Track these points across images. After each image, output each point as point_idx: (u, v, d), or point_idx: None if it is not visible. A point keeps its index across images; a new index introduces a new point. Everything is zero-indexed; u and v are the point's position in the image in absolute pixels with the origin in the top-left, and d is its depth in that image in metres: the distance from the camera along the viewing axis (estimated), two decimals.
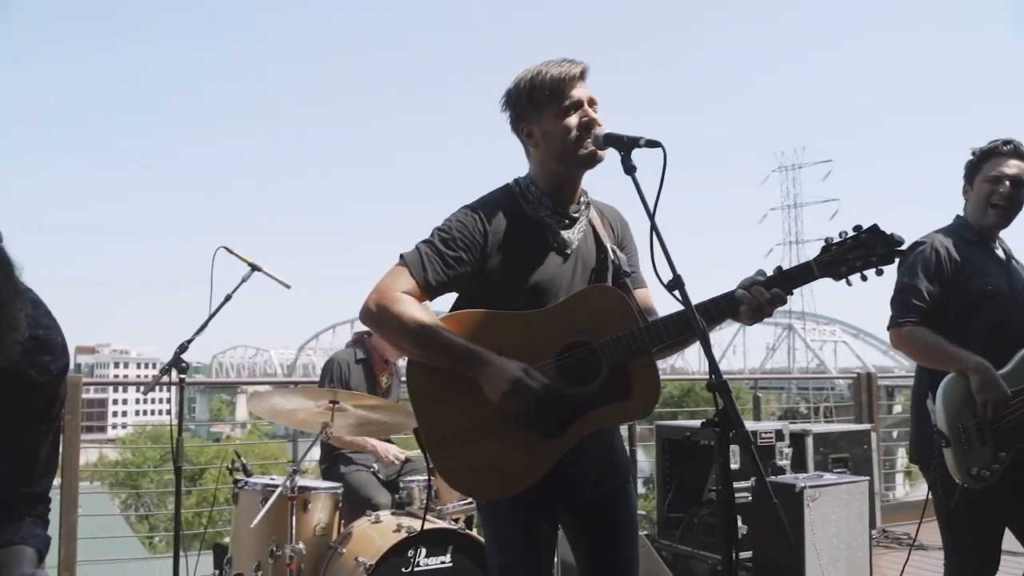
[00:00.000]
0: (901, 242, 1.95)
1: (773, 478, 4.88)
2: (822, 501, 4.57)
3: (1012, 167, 2.98)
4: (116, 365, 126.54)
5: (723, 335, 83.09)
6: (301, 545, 3.45)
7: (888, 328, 3.01)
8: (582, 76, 2.16)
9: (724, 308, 1.99)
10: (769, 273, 2.01)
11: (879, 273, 1.96)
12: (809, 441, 5.67)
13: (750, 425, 5.78)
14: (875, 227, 1.95)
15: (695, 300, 1.91)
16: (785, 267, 2.02)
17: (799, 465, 5.54)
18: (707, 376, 1.75)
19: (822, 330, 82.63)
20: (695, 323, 1.80)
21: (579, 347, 2.03)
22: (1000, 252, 3.06)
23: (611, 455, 2.27)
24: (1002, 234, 3.10)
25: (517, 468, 2.02)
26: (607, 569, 2.27)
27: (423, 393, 2.09)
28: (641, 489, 10.17)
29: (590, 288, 2.15)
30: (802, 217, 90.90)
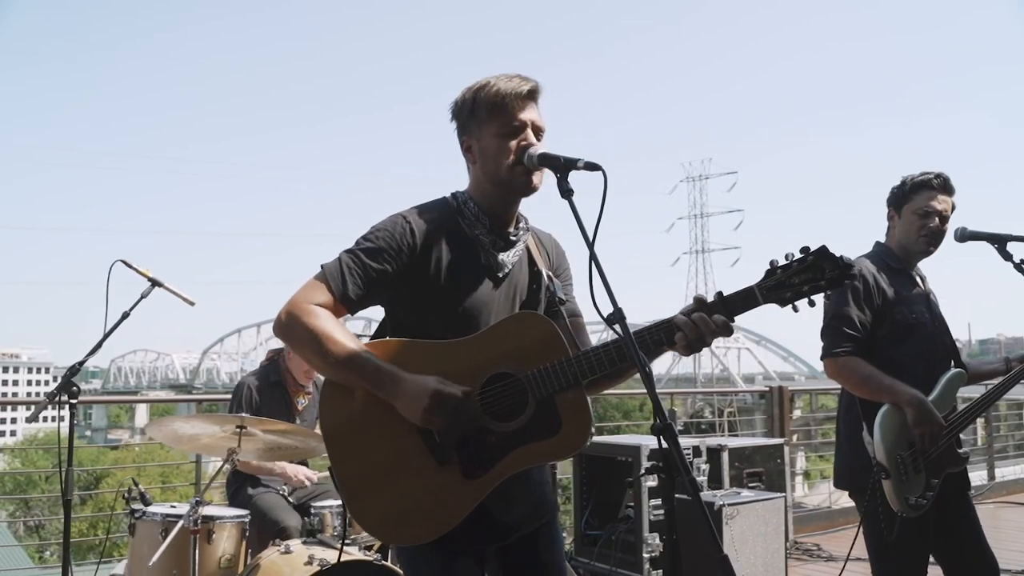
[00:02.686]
0: (851, 265, 1.83)
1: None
2: (740, 518, 4.59)
3: (941, 202, 2.99)
4: (5, 370, 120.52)
5: None
6: None
7: (822, 358, 2.98)
8: (531, 96, 2.02)
9: (661, 337, 1.85)
10: (710, 299, 1.86)
11: (827, 297, 1.83)
12: (725, 456, 5.68)
13: None
14: (823, 249, 1.82)
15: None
16: (726, 292, 1.87)
17: (715, 480, 5.56)
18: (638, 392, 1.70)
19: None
20: (636, 358, 1.71)
21: (505, 379, 1.90)
22: (919, 279, 3.09)
23: (536, 492, 2.13)
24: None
25: (437, 511, 1.90)
26: None
27: (337, 427, 1.96)
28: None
29: (517, 315, 2.02)
30: (708, 227, 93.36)
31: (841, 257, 1.82)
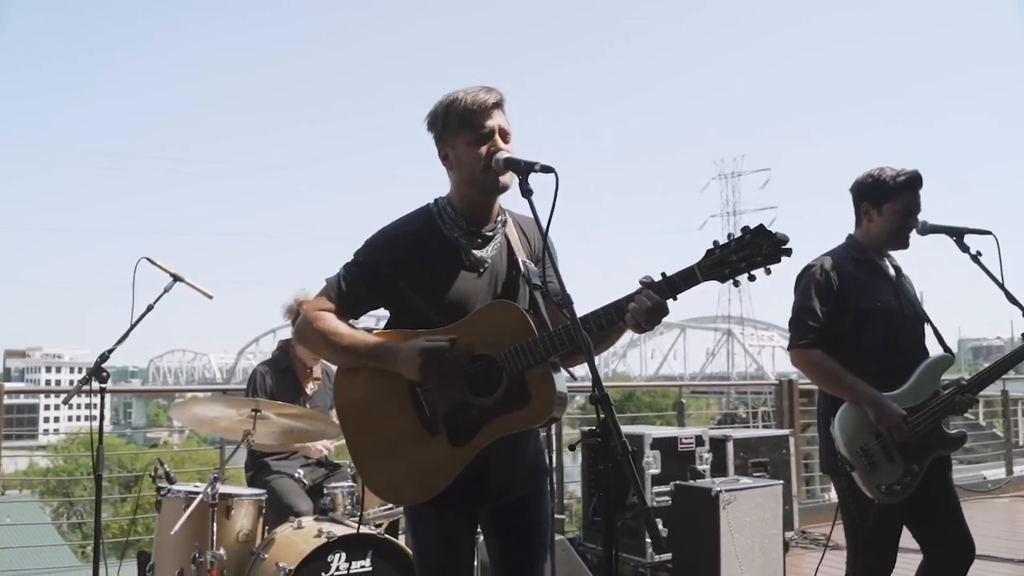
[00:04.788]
0: (785, 240, 1.93)
1: (691, 482, 5.06)
2: (737, 504, 4.72)
3: (920, 200, 3.12)
4: (48, 370, 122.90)
5: (664, 340, 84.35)
6: (222, 551, 3.50)
7: (788, 348, 3.16)
8: (497, 106, 2.25)
9: (612, 315, 2.06)
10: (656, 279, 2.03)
11: (768, 272, 1.96)
12: (729, 446, 5.85)
13: (673, 431, 5.96)
14: (760, 227, 1.95)
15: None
16: (670, 273, 2.03)
17: (719, 469, 5.71)
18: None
19: (760, 335, 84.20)
20: (579, 337, 1.95)
21: (482, 360, 2.17)
22: (889, 268, 3.20)
23: (525, 459, 2.37)
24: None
25: (430, 475, 2.19)
26: (514, 571, 2.38)
27: (348, 409, 2.32)
28: (579, 493, 10.28)
29: (491, 304, 2.25)
30: (741, 224, 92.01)
31: (776, 234, 1.93)
